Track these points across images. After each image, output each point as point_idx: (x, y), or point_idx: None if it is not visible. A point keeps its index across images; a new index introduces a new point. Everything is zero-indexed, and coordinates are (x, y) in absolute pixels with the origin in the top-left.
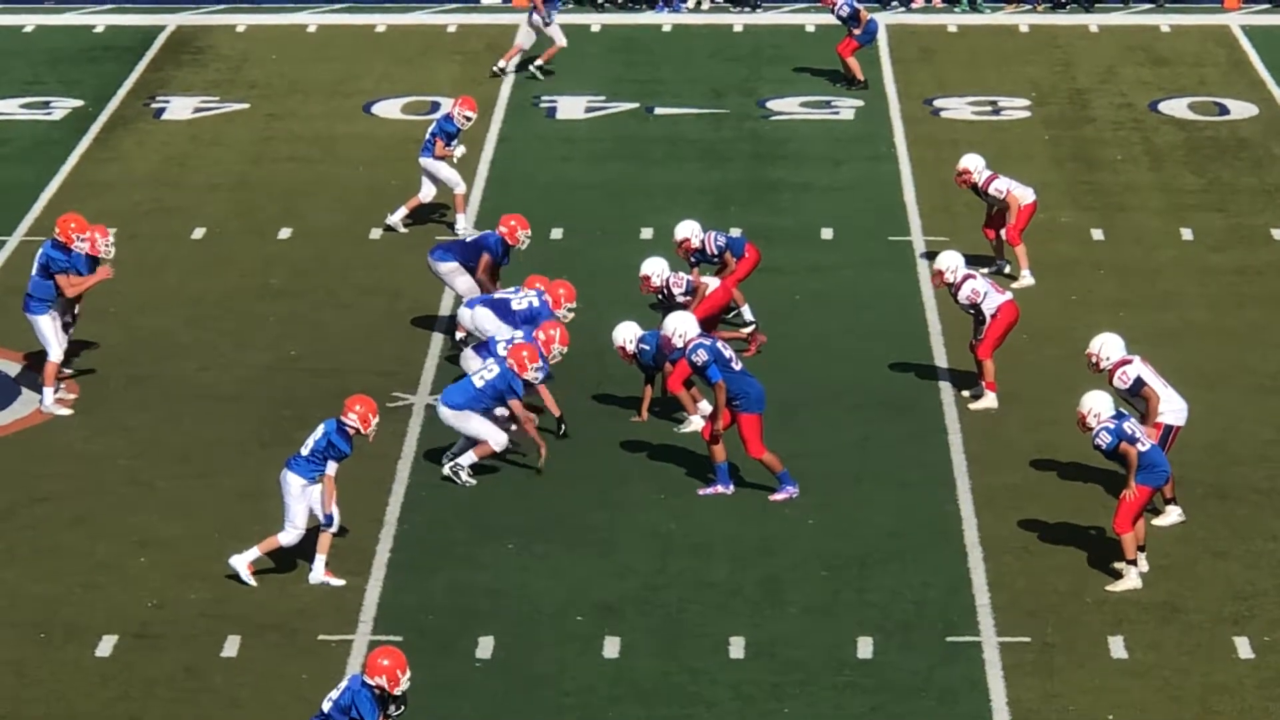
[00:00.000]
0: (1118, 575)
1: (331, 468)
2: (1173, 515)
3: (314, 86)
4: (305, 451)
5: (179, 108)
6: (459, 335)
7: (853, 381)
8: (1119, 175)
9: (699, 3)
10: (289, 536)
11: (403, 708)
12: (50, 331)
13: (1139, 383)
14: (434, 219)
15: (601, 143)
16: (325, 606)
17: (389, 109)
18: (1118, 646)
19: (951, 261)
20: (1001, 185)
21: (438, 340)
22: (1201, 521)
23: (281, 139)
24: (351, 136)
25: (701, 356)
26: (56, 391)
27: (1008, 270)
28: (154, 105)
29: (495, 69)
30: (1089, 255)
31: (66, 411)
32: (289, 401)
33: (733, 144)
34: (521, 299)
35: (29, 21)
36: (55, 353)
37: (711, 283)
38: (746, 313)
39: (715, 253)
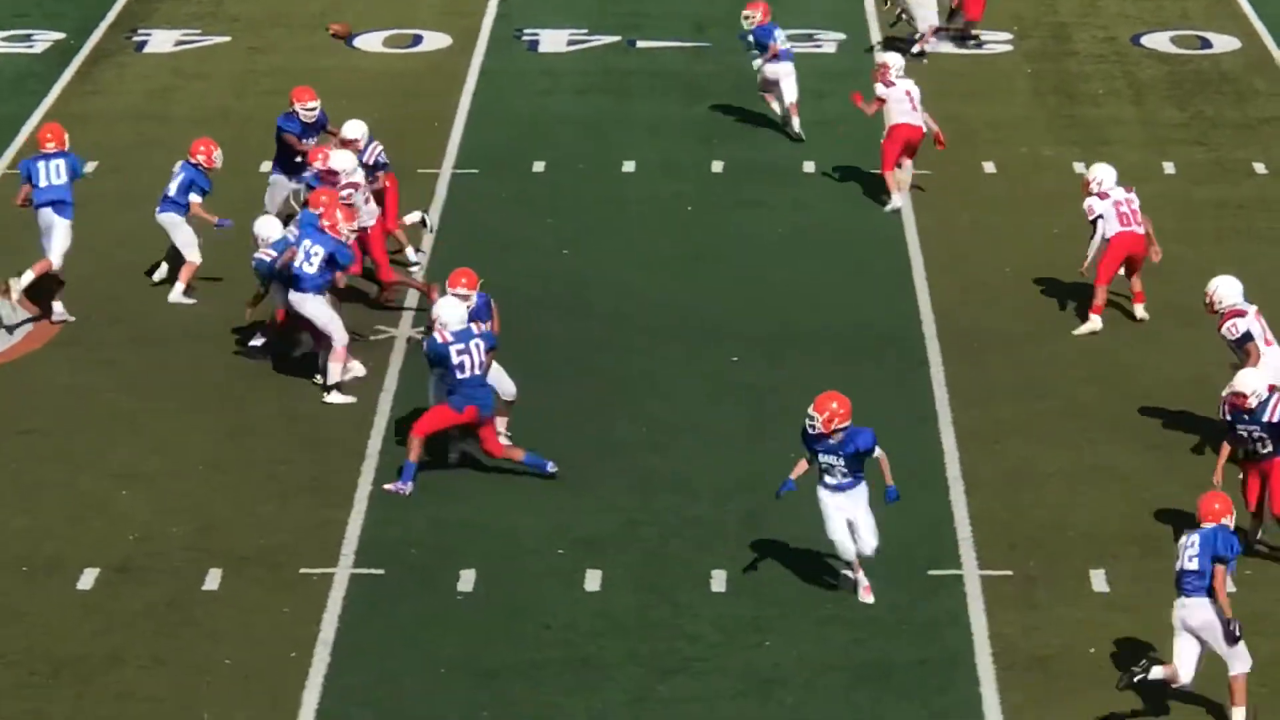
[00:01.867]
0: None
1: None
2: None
3: (296, 19)
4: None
5: (161, 41)
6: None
7: (835, 317)
8: (1101, 109)
9: None
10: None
11: None
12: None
13: (1246, 336)
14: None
15: (583, 76)
16: (307, 540)
17: (371, 42)
18: (1099, 580)
19: (1099, 174)
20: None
21: (418, 274)
22: (1185, 455)
23: (264, 72)
24: (334, 70)
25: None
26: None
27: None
28: (136, 38)
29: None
30: (1072, 189)
31: (190, 301)
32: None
33: (715, 78)
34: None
35: None
36: (193, 255)
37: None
38: (410, 254)
39: (372, 165)
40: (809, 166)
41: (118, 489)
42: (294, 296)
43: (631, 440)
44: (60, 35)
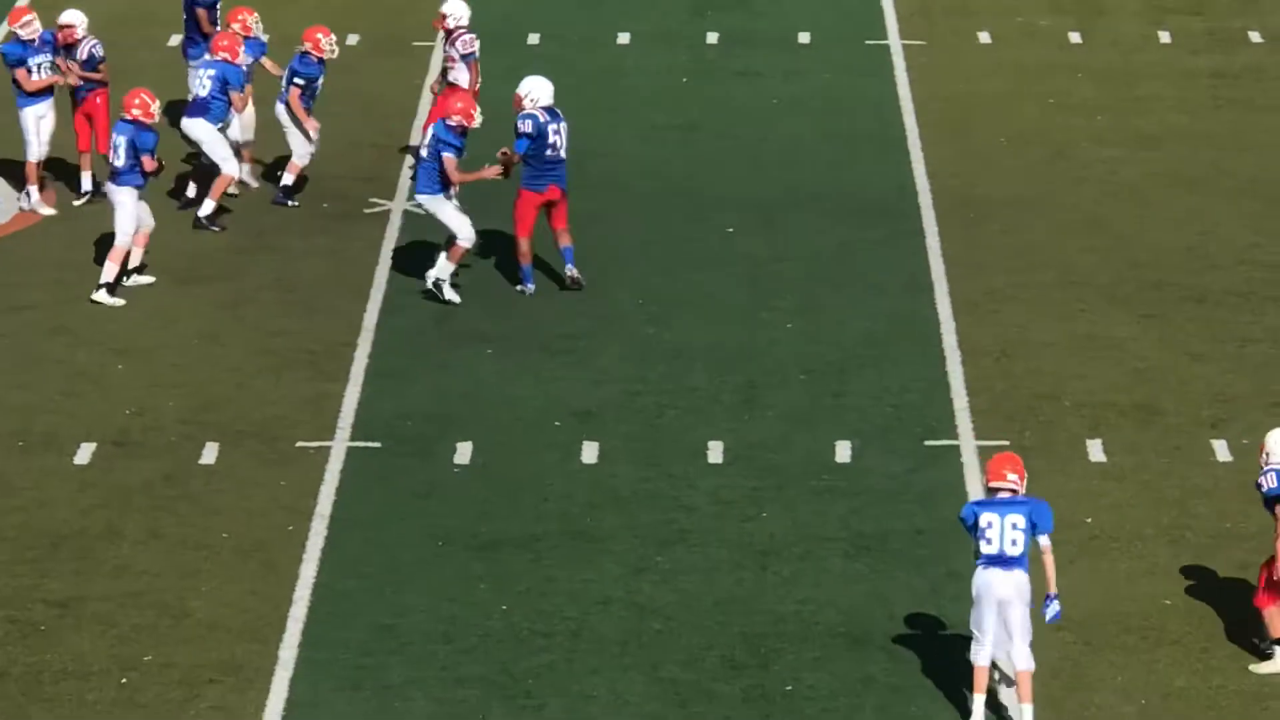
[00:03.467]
0: (1264, 655)
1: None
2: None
3: None
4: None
5: None
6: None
7: (830, 186)
8: None
9: None
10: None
11: None
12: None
13: None
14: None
15: None
16: (303, 413)
17: None
18: (1096, 450)
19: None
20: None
21: (414, 143)
22: (1180, 324)
23: None
24: None
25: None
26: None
27: None
28: None
29: None
30: (1067, 59)
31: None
32: (267, 209)
33: None
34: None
35: None
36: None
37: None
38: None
39: (85, 59)
40: (804, 37)
41: (113, 363)
42: (185, 122)
43: (628, 311)
44: None
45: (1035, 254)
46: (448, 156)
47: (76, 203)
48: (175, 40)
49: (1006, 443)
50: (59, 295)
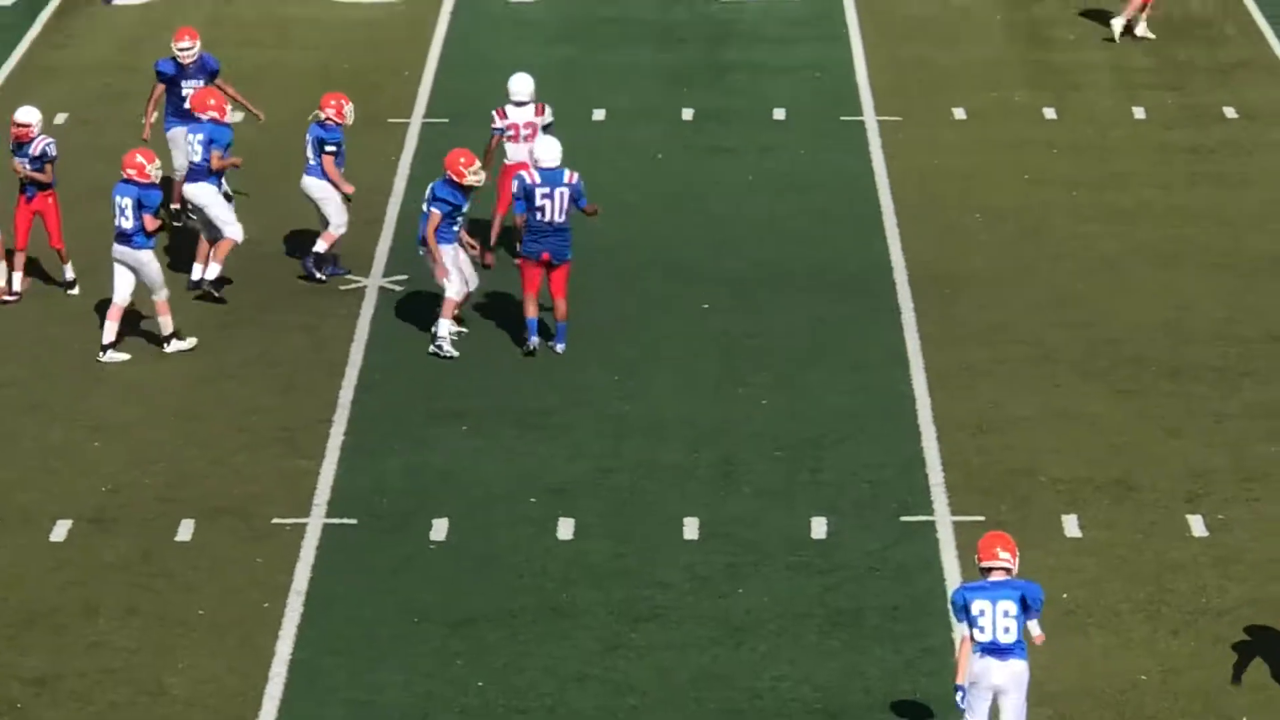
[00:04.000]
0: None
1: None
2: None
3: None
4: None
5: None
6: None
7: (806, 262)
8: (1072, 54)
9: None
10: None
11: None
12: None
13: None
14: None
15: (554, 24)
16: (279, 490)
17: None
18: (1071, 525)
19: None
20: None
21: (390, 223)
22: (1156, 400)
23: (232, 23)
24: (303, 20)
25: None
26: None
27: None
28: None
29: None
30: (1042, 134)
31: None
32: (248, 284)
33: (686, 25)
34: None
35: None
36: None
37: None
38: (67, 272)
39: (38, 156)
40: (779, 113)
41: (90, 439)
42: (188, 188)
43: (603, 386)
44: None
45: (1011, 329)
46: (434, 212)
47: (7, 298)
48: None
49: (982, 519)
50: (35, 372)
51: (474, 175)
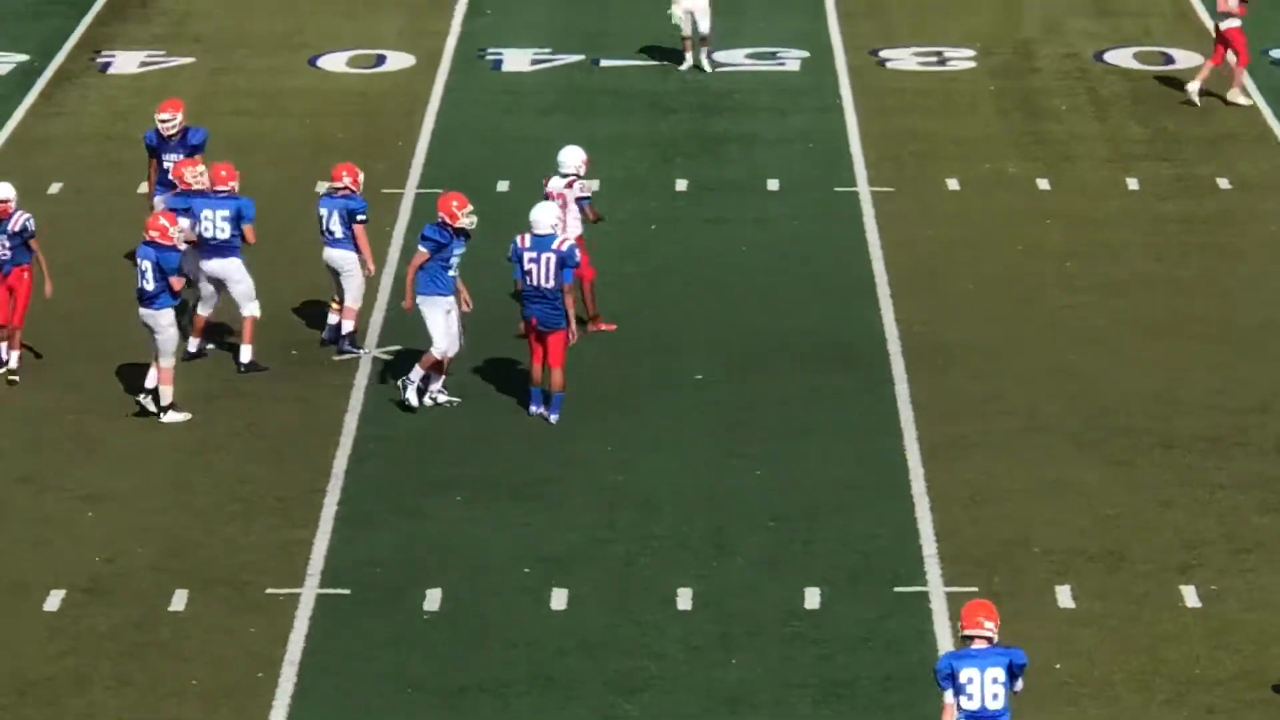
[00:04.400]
0: None
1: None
2: None
3: (259, 40)
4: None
5: (125, 62)
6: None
7: (800, 332)
8: (1065, 125)
9: None
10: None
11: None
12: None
13: None
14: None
15: (547, 95)
16: (273, 560)
17: (334, 62)
18: (1065, 596)
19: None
20: None
21: (384, 293)
22: (1149, 471)
23: (227, 93)
24: (297, 90)
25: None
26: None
27: None
28: (100, 60)
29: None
30: (1036, 205)
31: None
32: (238, 355)
33: (678, 96)
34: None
35: None
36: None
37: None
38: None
39: (18, 231)
40: (773, 184)
41: (83, 510)
42: (214, 264)
43: (597, 456)
44: (24, 57)
45: (1004, 400)
46: (420, 251)
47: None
48: (143, 188)
49: (975, 589)
50: (25, 442)
51: (467, 218)
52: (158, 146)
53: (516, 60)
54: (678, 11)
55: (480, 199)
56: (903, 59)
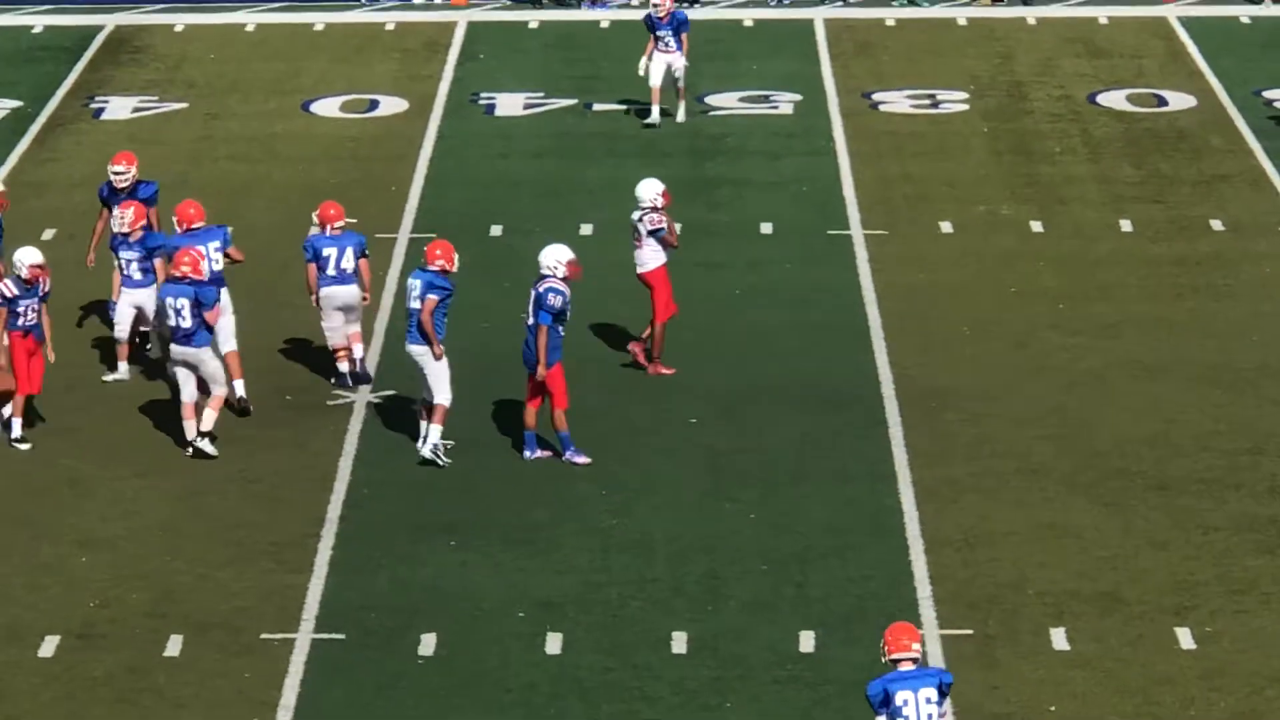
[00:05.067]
0: None
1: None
2: None
3: (253, 85)
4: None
5: (118, 107)
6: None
7: (793, 376)
8: (1058, 167)
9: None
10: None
11: None
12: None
13: None
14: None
15: (540, 139)
16: (267, 605)
17: (328, 107)
18: (1060, 638)
19: None
20: None
21: (378, 338)
22: (1143, 513)
23: (220, 138)
24: (290, 135)
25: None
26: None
27: None
28: (93, 105)
29: None
30: (1029, 247)
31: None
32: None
33: (671, 140)
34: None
35: None
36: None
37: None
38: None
39: None
40: (766, 227)
41: (77, 555)
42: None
43: (591, 500)
44: (16, 103)
45: (997, 443)
46: (430, 298)
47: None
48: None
49: (970, 632)
50: (21, 487)
51: (457, 263)
52: (108, 198)
53: (509, 105)
54: (643, 62)
55: (473, 243)
56: (895, 101)
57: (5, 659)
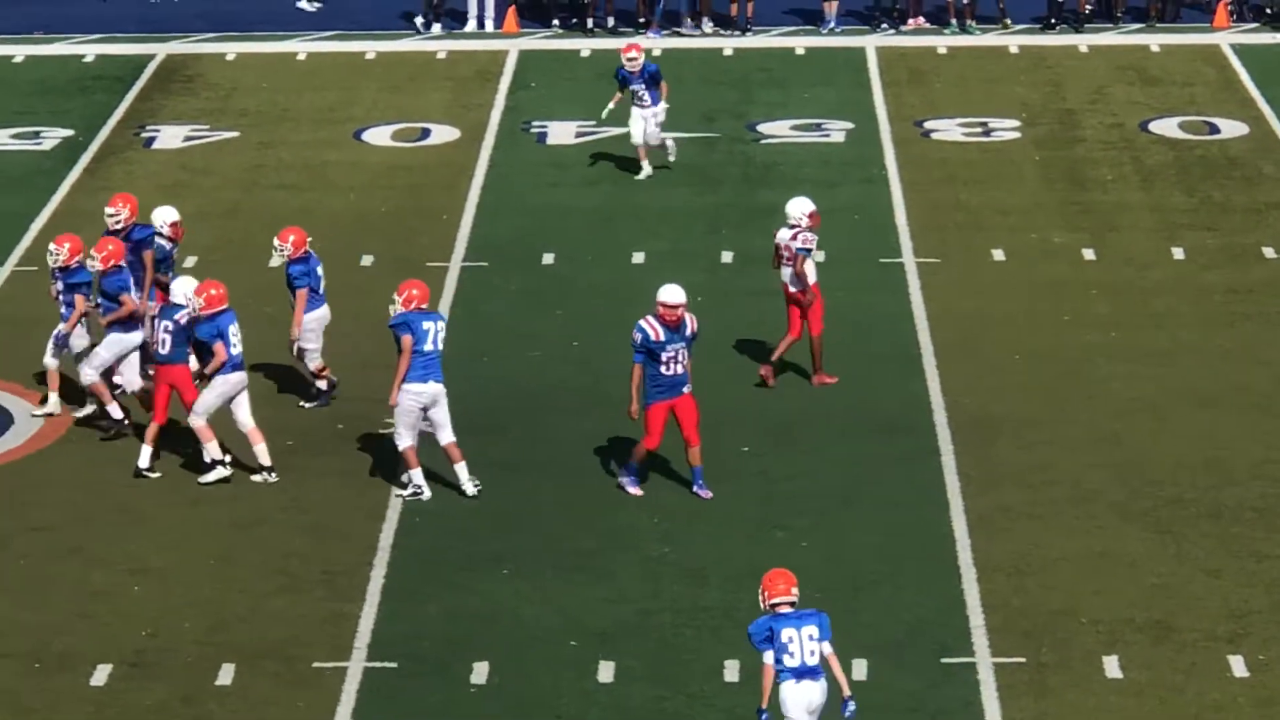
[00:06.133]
0: None
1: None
2: None
3: (304, 114)
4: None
5: (169, 136)
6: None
7: (846, 403)
8: (1110, 195)
9: (696, 26)
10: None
11: None
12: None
13: None
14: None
15: (591, 167)
16: (319, 634)
17: (379, 136)
18: (1112, 666)
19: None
20: None
21: None
22: (1196, 540)
23: (271, 167)
24: (341, 164)
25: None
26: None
27: None
28: (144, 134)
29: None
30: (1081, 276)
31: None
32: (283, 430)
33: (724, 167)
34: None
35: (19, 52)
36: None
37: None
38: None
39: None
40: (819, 255)
41: (129, 584)
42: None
43: (643, 528)
44: (69, 132)
45: (1050, 470)
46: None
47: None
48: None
49: (1023, 660)
50: (74, 515)
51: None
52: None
53: (561, 133)
54: (607, 110)
55: (525, 272)
56: (947, 129)
57: (57, 687)
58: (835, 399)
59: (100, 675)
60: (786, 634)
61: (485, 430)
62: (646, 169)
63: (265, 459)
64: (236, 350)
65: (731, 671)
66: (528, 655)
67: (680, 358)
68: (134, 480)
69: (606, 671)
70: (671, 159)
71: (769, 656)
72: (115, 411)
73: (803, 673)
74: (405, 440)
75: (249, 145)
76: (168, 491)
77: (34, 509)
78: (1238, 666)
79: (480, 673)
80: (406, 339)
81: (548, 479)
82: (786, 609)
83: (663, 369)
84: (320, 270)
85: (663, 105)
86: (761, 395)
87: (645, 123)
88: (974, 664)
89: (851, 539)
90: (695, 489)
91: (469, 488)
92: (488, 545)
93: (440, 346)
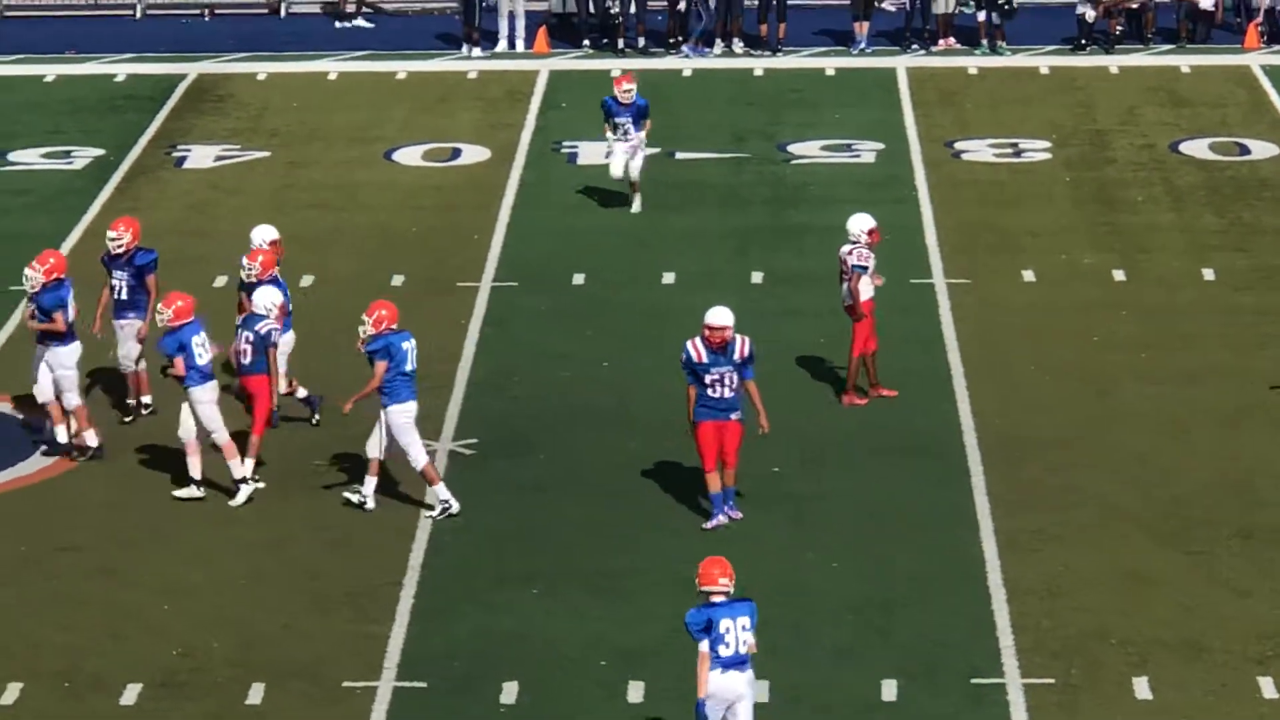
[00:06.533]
0: None
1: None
2: None
3: (335, 134)
4: None
5: (200, 156)
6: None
7: (876, 424)
8: (1140, 216)
9: (728, 47)
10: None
11: None
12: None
13: None
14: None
15: (622, 188)
16: (349, 653)
17: (410, 156)
18: (1142, 687)
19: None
20: None
21: (460, 387)
22: (1226, 561)
23: (302, 187)
24: (372, 184)
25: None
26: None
27: None
28: (175, 154)
29: None
30: (1111, 297)
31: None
32: (312, 450)
33: (754, 188)
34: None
35: (50, 71)
36: None
37: None
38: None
39: None
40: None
41: (159, 603)
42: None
43: (673, 548)
44: (100, 151)
45: (1079, 491)
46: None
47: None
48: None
49: (1053, 681)
50: (103, 536)
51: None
52: (107, 265)
53: (591, 152)
54: (605, 147)
55: (555, 292)
56: (978, 150)
57: (88, 707)
58: (866, 420)
59: (130, 695)
60: (724, 624)
61: (515, 450)
62: (637, 204)
63: (239, 472)
64: (204, 361)
65: (762, 692)
66: (557, 675)
67: (728, 381)
68: (164, 500)
69: (636, 691)
70: (635, 210)
71: (704, 645)
72: (61, 435)
73: (732, 663)
74: (373, 451)
75: (279, 165)
76: (197, 511)
77: (63, 530)
78: (1268, 688)
79: (510, 692)
80: (381, 364)
81: (577, 499)
82: (720, 598)
83: (709, 391)
84: (287, 293)
85: (642, 136)
86: (792, 416)
87: (627, 156)
88: (1004, 685)
89: (881, 560)
90: (726, 509)
91: (438, 507)
92: (518, 565)
93: (415, 365)
